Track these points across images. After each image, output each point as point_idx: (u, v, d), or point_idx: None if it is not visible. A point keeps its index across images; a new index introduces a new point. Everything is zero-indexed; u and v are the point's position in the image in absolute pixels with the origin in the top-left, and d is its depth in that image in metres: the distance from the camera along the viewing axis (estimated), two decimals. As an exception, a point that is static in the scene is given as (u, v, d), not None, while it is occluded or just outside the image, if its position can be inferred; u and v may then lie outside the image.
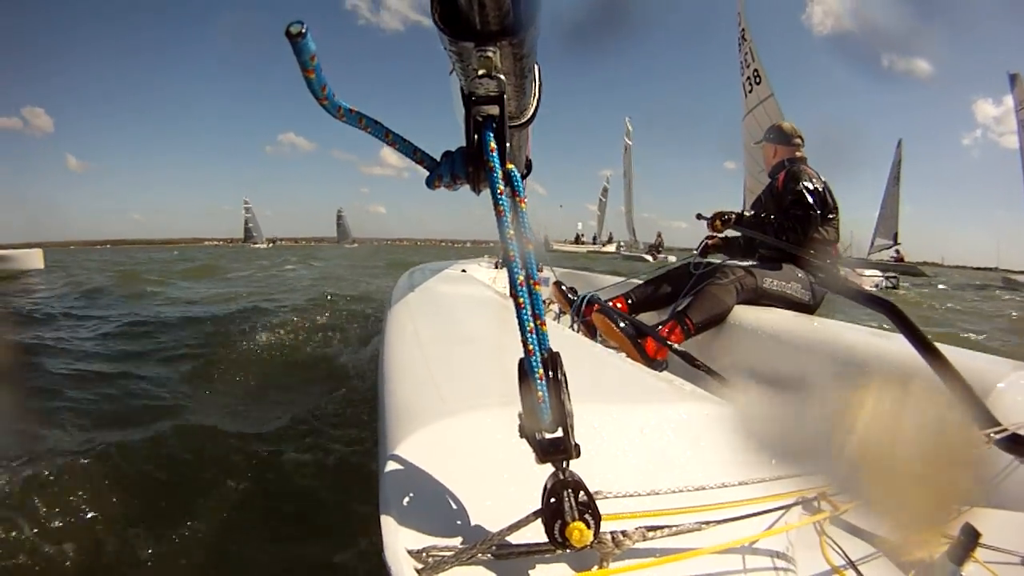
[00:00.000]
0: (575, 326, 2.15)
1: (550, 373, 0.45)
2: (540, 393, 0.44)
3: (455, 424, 0.57)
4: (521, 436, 0.46)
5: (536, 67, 0.51)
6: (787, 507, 0.70)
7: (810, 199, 2.12)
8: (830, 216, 2.18)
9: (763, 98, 6.69)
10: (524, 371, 0.46)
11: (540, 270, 0.48)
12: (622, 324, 1.92)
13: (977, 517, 0.99)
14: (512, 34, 0.41)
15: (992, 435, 1.02)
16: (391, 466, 0.52)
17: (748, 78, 6.90)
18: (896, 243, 23.84)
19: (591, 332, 2.04)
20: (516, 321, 0.46)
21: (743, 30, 7.01)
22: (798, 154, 2.35)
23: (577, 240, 39.76)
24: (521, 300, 0.46)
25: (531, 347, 0.45)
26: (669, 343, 1.80)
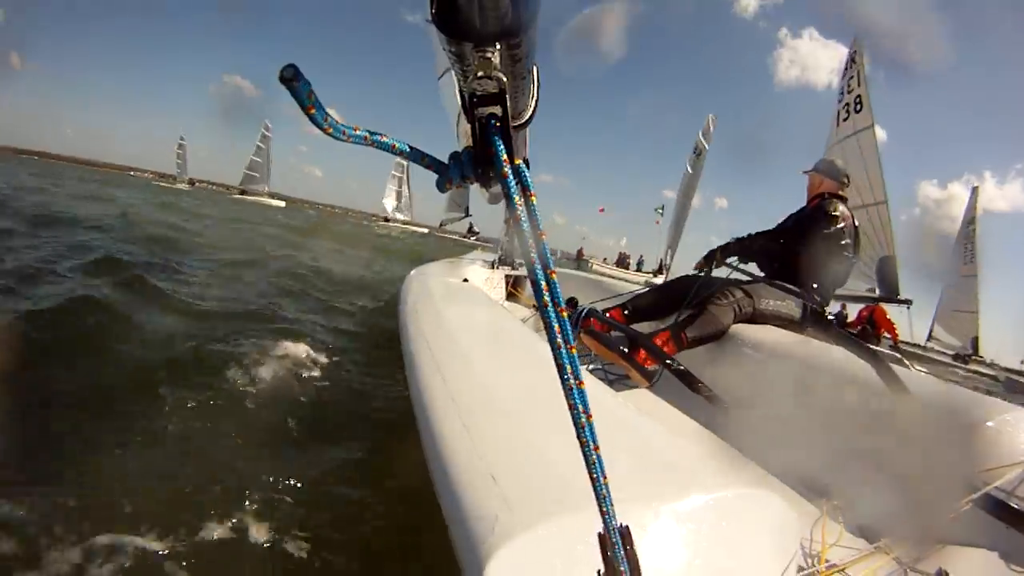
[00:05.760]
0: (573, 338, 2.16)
1: (627, 547, 0.50)
2: (623, 571, 0.49)
3: (530, 540, 0.61)
4: None
5: (535, 68, 0.50)
6: None
7: (844, 234, 2.16)
8: (847, 255, 2.23)
9: (859, 128, 5.70)
10: (604, 548, 0.50)
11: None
12: (614, 335, 1.93)
13: (950, 554, 1.02)
14: (511, 35, 0.40)
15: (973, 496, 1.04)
16: None
17: (847, 104, 5.89)
18: (975, 354, 13.65)
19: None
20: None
21: (855, 53, 5.89)
22: (841, 192, 2.40)
23: (621, 263, 25.36)
24: (585, 441, 0.47)
25: (605, 509, 0.49)
26: (669, 358, 1.81)
